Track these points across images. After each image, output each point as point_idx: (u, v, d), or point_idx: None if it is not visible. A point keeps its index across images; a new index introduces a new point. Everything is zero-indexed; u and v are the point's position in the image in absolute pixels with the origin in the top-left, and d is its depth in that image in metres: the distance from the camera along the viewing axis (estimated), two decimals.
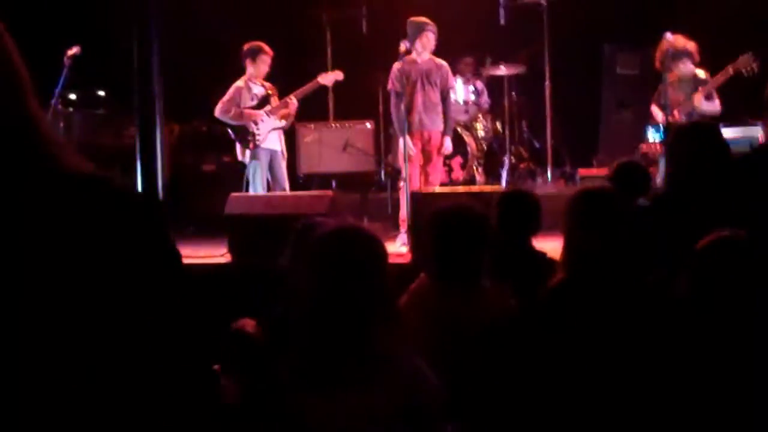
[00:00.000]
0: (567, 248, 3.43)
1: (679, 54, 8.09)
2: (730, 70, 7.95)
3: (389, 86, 8.44)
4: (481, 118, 10.80)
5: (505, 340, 3.36)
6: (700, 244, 2.98)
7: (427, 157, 8.38)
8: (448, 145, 8.46)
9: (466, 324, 3.41)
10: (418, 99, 8.29)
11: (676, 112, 8.15)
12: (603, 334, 3.14)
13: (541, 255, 4.53)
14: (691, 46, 8.14)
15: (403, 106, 8.16)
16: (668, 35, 8.17)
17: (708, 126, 4.38)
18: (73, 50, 8.28)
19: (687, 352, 2.90)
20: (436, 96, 8.39)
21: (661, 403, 2.90)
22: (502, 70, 10.92)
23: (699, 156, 3.99)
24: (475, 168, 10.25)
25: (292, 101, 8.64)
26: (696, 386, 2.86)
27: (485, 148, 10.71)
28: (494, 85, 11.18)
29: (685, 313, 2.96)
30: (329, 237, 2.75)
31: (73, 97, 9.98)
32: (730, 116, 8.70)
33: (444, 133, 8.42)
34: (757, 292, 2.89)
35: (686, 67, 8.18)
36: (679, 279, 3.01)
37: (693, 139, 4.08)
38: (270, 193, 8.35)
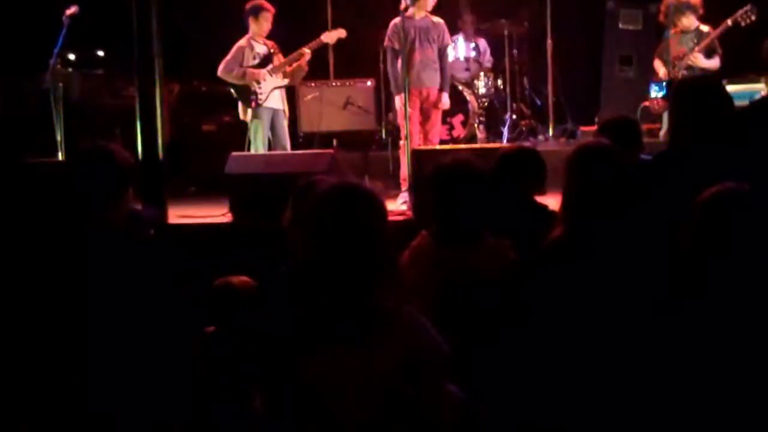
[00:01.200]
0: (565, 202, 3.43)
1: (682, 7, 8.04)
2: (729, 22, 7.93)
3: (386, 43, 8.42)
4: (483, 75, 10.74)
5: (506, 293, 3.36)
6: (702, 196, 2.95)
7: (425, 115, 8.36)
8: (445, 101, 8.44)
9: (467, 279, 3.42)
10: (416, 56, 8.26)
11: (677, 67, 8.11)
12: (602, 287, 3.14)
13: (543, 208, 4.53)
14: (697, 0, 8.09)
15: (400, 63, 8.12)
16: None
17: (710, 81, 4.34)
18: (72, 10, 8.23)
19: (688, 306, 2.90)
20: (433, 53, 8.36)
21: (660, 358, 2.90)
22: (504, 27, 10.85)
23: (702, 111, 3.95)
24: (476, 125, 10.20)
25: (307, 53, 8.58)
26: (698, 341, 2.86)
27: (487, 105, 10.67)
28: (496, 43, 11.11)
29: (687, 265, 2.95)
30: (328, 195, 2.74)
31: (72, 57, 9.94)
32: (734, 71, 8.67)
33: (441, 90, 8.38)
34: (761, 243, 2.87)
35: (689, 21, 8.14)
36: (681, 232, 2.99)
37: (696, 94, 4.05)
38: (270, 152, 8.33)
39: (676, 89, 4.24)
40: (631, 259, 3.18)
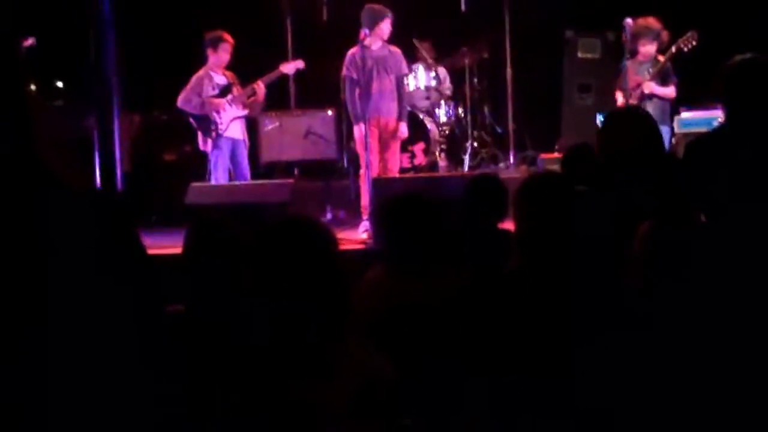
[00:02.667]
0: (518, 233, 3.46)
1: (645, 34, 8.14)
2: (673, 48, 8.08)
3: (343, 72, 8.43)
4: (443, 103, 10.80)
5: (463, 324, 3.37)
6: (638, 232, 2.97)
7: (384, 144, 8.39)
8: (403, 130, 8.48)
9: (423, 310, 3.42)
10: (374, 85, 8.28)
11: (633, 95, 8.20)
12: (555, 317, 3.15)
13: (507, 234, 4.56)
14: (658, 26, 8.19)
15: (357, 93, 8.15)
16: (628, 20, 8.22)
17: (633, 112, 4.39)
18: (29, 42, 8.20)
19: (640, 339, 2.91)
20: (390, 83, 8.40)
21: (614, 386, 2.91)
22: (465, 56, 10.94)
23: (627, 142, 4.02)
24: (437, 153, 10.25)
25: (260, 87, 8.62)
26: (648, 371, 2.87)
27: (448, 133, 10.72)
28: (457, 71, 11.18)
29: (635, 300, 2.97)
30: (275, 229, 2.74)
31: (30, 88, 9.87)
32: (691, 99, 8.78)
33: (399, 119, 8.42)
34: (697, 278, 2.89)
35: (647, 49, 8.23)
36: (623, 266, 3.01)
37: (618, 126, 4.12)
38: (231, 183, 8.32)
39: (604, 121, 4.32)
40: (586, 287, 3.19)
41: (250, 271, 2.77)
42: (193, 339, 3.23)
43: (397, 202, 3.67)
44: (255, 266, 2.73)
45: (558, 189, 3.46)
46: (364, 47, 8.25)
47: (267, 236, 2.73)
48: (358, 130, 8.13)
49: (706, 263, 2.94)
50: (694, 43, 7.96)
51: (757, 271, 3.04)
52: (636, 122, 4.19)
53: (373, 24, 8.24)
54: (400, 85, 8.53)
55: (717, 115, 8.46)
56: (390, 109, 8.38)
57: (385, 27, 8.29)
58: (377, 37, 8.33)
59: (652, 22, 8.18)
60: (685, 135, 8.53)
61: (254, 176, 8.91)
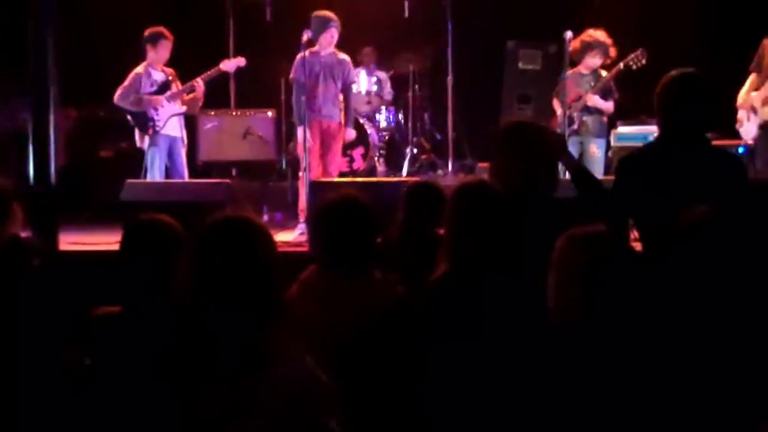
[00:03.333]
0: (446, 240, 3.48)
1: (595, 46, 8.20)
2: (621, 65, 8.13)
3: (291, 75, 8.40)
4: (384, 109, 10.81)
5: (392, 329, 3.37)
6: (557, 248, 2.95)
7: (325, 147, 8.37)
8: (350, 135, 8.49)
9: (353, 313, 3.41)
10: (320, 90, 8.29)
11: (573, 107, 8.27)
12: (485, 323, 3.16)
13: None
14: (609, 41, 8.25)
15: (303, 97, 8.13)
16: (569, 34, 8.28)
17: (524, 128, 4.41)
18: None
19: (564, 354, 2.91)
20: (336, 89, 8.41)
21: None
22: (408, 62, 10.97)
23: (519, 158, 4.07)
24: (376, 159, 10.27)
25: (199, 84, 8.55)
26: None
27: (387, 139, 10.74)
28: (398, 78, 11.20)
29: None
30: (215, 226, 2.71)
31: None
32: (627, 113, 8.88)
33: (345, 125, 8.45)
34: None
35: (593, 62, 8.29)
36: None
37: (507, 142, 4.17)
38: (167, 180, 8.24)
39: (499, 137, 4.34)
40: (514, 295, 3.21)
41: (186, 270, 2.75)
42: (129, 339, 3.19)
43: (333, 204, 3.66)
44: (192, 265, 2.70)
45: (488, 197, 3.49)
46: (313, 53, 8.26)
47: (205, 234, 2.71)
48: (301, 131, 8.10)
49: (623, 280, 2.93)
50: (643, 62, 8.01)
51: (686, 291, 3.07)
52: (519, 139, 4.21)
53: (321, 31, 8.24)
54: (347, 92, 8.54)
55: (653, 130, 8.57)
56: (332, 113, 8.38)
57: (332, 34, 8.30)
58: (326, 44, 8.32)
59: (602, 35, 8.24)
60: (621, 149, 8.63)
61: (192, 175, 8.85)
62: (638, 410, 2.74)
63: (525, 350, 2.96)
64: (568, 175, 4.57)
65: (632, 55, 8.08)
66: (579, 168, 4.53)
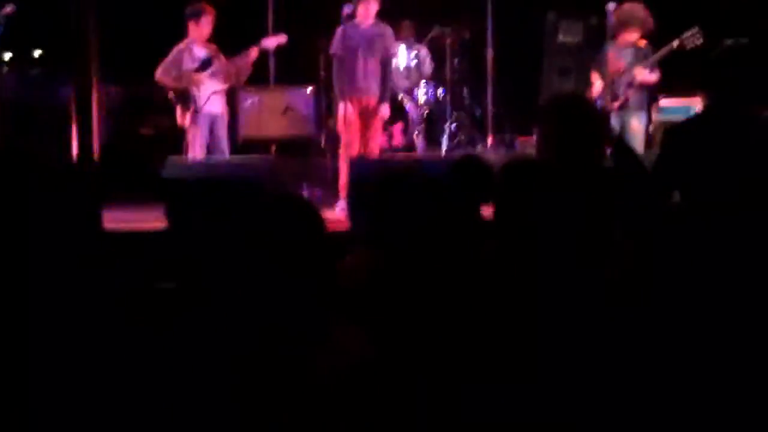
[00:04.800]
0: (497, 218, 3.45)
1: (630, 21, 8.10)
2: (675, 43, 7.97)
3: (332, 50, 8.35)
4: (423, 84, 10.77)
5: (442, 310, 3.36)
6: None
7: (366, 124, 8.32)
8: (385, 111, 8.39)
9: (405, 293, 3.41)
10: (359, 64, 8.21)
11: (615, 80, 8.19)
12: (532, 305, 3.14)
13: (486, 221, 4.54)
14: (644, 14, 8.13)
15: (344, 71, 8.09)
16: (611, 5, 8.19)
17: (576, 101, 4.35)
18: (8, 9, 8.10)
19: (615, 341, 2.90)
20: (376, 62, 8.29)
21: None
22: (446, 35, 10.91)
23: (565, 132, 4.00)
24: (415, 134, 10.23)
25: (253, 51, 8.47)
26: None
27: (427, 114, 10.70)
28: (437, 51, 11.15)
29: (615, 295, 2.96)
30: (267, 207, 2.71)
31: (7, 57, 9.79)
32: (670, 86, 8.79)
33: (382, 99, 8.34)
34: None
35: (631, 36, 8.19)
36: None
37: (558, 115, 4.09)
38: (208, 158, 8.26)
39: (541, 111, 4.27)
40: (570, 275, 3.19)
41: (239, 249, 2.74)
42: (187, 315, 3.19)
43: (378, 182, 3.64)
44: (246, 243, 2.70)
45: (537, 174, 3.45)
46: (353, 25, 8.18)
47: (257, 213, 2.70)
48: (342, 108, 8.07)
49: (685, 257, 2.94)
50: (699, 41, 7.82)
51: (733, 263, 3.05)
52: (572, 113, 4.15)
53: (358, 2, 8.15)
54: (386, 65, 8.40)
55: (696, 103, 8.48)
56: (373, 88, 8.29)
57: (374, 4, 8.20)
58: (366, 15, 8.21)
59: (637, 9, 8.13)
60: (663, 122, 8.55)
61: (232, 151, 8.86)
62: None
63: (579, 334, 2.94)
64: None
65: (688, 34, 7.89)
66: (619, 140, 4.50)
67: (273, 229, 2.65)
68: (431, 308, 3.31)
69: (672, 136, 4.41)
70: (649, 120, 8.71)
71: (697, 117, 4.57)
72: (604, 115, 4.34)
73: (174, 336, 2.98)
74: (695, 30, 7.87)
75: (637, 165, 4.34)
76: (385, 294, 3.41)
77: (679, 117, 7.76)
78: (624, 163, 4.32)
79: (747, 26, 7.91)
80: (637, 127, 8.19)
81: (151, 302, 3.29)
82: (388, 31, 8.43)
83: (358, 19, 8.20)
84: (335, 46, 8.26)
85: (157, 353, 3.08)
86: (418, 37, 11.10)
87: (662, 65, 8.20)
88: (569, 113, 4.04)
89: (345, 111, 7.92)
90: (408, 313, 3.33)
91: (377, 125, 8.40)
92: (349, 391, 2.60)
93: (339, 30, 8.21)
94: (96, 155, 6.81)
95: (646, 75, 8.13)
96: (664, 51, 8.05)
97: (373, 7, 8.21)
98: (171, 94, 8.55)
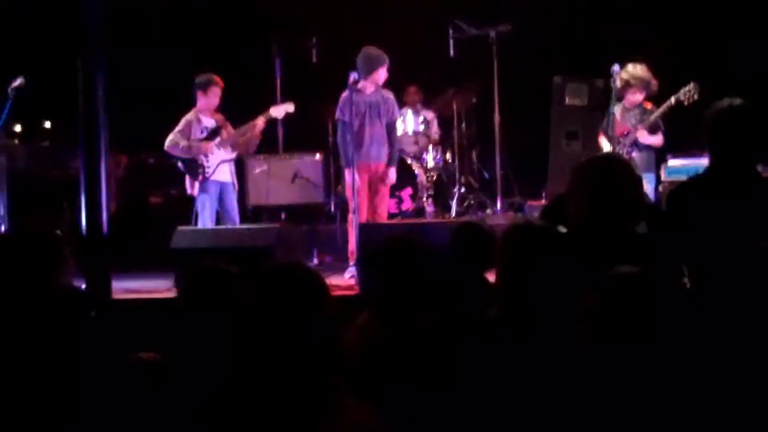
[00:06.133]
0: (500, 282, 3.43)
1: (634, 82, 8.13)
2: (673, 100, 8.01)
3: (337, 116, 8.37)
4: (431, 148, 10.80)
5: (443, 370, 3.34)
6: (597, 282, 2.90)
7: (374, 189, 8.32)
8: (392, 176, 8.39)
9: (407, 354, 3.41)
10: (366, 130, 8.24)
11: (620, 143, 8.19)
12: (534, 370, 3.11)
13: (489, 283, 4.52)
14: (648, 75, 8.16)
15: (349, 137, 8.11)
16: (616, 68, 8.22)
17: (611, 160, 4.34)
18: (18, 82, 8.20)
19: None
20: (382, 127, 8.33)
21: None
22: (453, 100, 10.97)
23: (600, 190, 3.95)
24: (425, 199, 10.24)
25: (260, 121, 8.54)
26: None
27: (435, 179, 10.72)
28: (444, 117, 11.20)
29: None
30: (270, 277, 2.70)
31: (17, 128, 9.87)
32: (678, 146, 8.78)
33: (389, 164, 8.36)
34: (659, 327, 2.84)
35: (634, 98, 8.22)
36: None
37: (594, 173, 4.04)
38: (216, 227, 8.27)
39: (575, 168, 4.22)
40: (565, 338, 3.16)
41: (243, 322, 2.73)
42: (172, 387, 3.17)
43: (385, 246, 3.65)
44: (248, 315, 2.69)
45: (539, 238, 3.43)
46: (357, 91, 8.21)
47: (260, 283, 2.70)
48: (349, 174, 8.08)
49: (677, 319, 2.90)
50: (696, 97, 7.85)
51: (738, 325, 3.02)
52: (618, 169, 4.12)
53: (371, 70, 8.17)
54: (391, 130, 8.43)
55: (704, 163, 8.44)
56: (380, 154, 8.31)
57: (382, 73, 8.23)
58: (372, 82, 8.28)
59: (641, 70, 8.16)
60: (672, 183, 8.53)
61: (242, 220, 8.88)
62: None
63: (571, 404, 2.90)
64: None
65: (684, 90, 7.93)
66: (653, 206, 4.50)
67: (276, 299, 2.64)
68: (429, 370, 3.30)
69: (676, 197, 4.42)
70: (659, 180, 8.70)
71: (700, 176, 4.53)
72: (639, 178, 4.27)
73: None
74: (691, 86, 7.90)
75: (671, 231, 4.31)
76: (383, 357, 3.40)
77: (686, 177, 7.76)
78: (657, 229, 4.28)
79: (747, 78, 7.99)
80: (645, 189, 8.16)
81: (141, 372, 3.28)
82: (391, 96, 8.47)
83: (362, 84, 8.23)
84: (340, 112, 8.29)
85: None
86: (425, 102, 11.16)
87: (667, 125, 8.21)
88: (605, 172, 4.00)
89: (352, 177, 7.92)
90: (405, 375, 3.32)
91: (385, 191, 8.40)
92: None
93: (343, 96, 8.25)
94: (105, 227, 6.79)
95: (647, 136, 8.14)
96: (662, 109, 8.08)
97: (381, 76, 8.26)
98: (179, 164, 8.59)
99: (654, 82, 8.15)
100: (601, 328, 2.78)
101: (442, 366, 3.34)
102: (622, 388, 2.76)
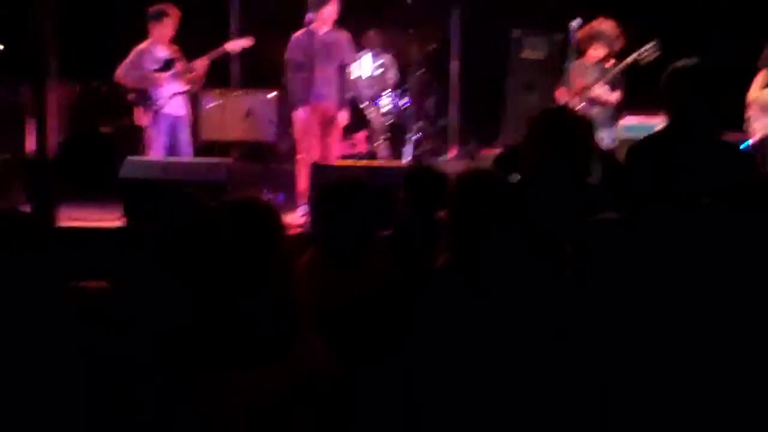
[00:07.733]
0: (451, 229, 3.43)
1: (599, 37, 8.07)
2: (633, 57, 7.96)
3: (287, 55, 8.27)
4: (388, 93, 10.74)
5: (388, 312, 3.34)
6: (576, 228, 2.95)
7: (325, 130, 8.25)
8: (342, 118, 8.34)
9: (349, 297, 3.41)
10: (317, 71, 8.14)
11: (578, 98, 8.17)
12: (487, 314, 3.12)
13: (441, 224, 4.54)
14: (615, 32, 8.10)
15: (300, 77, 8.02)
16: (575, 22, 8.18)
17: (565, 112, 4.39)
18: None
19: (573, 339, 2.89)
20: (333, 68, 8.25)
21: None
22: (412, 45, 10.91)
23: (554, 141, 4.00)
24: (378, 143, 10.20)
25: (200, 64, 8.43)
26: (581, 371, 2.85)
27: (390, 123, 10.66)
28: (402, 62, 11.13)
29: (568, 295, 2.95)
30: (224, 211, 2.68)
31: None
32: (633, 104, 8.79)
33: (339, 107, 8.29)
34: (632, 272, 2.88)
35: (596, 53, 8.17)
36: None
37: (548, 124, 4.10)
38: (166, 159, 8.17)
39: (534, 120, 4.26)
40: (519, 284, 3.17)
41: (196, 252, 2.71)
42: (122, 317, 3.13)
43: (336, 187, 3.65)
44: (204, 247, 2.67)
45: (490, 186, 3.43)
46: (310, 31, 8.12)
47: (216, 216, 2.68)
48: (298, 114, 8.01)
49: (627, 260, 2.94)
50: (656, 54, 7.82)
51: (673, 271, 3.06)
52: (572, 121, 4.17)
53: (319, 6, 8.09)
54: (343, 72, 8.35)
55: (659, 122, 8.46)
56: (332, 95, 8.23)
57: (331, 10, 8.12)
58: (323, 21, 8.16)
59: (608, 26, 8.09)
60: (627, 140, 8.54)
61: (195, 154, 8.77)
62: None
63: (521, 350, 2.92)
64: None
65: (644, 48, 7.91)
66: (609, 155, 4.55)
67: (235, 232, 2.62)
68: (375, 311, 3.31)
69: (634, 153, 4.43)
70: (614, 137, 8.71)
71: (658, 134, 4.56)
72: (591, 131, 4.31)
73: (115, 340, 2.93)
74: (653, 44, 7.87)
75: (624, 179, 4.35)
76: (329, 294, 3.40)
77: (643, 135, 7.77)
78: (612, 177, 4.33)
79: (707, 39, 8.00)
80: (609, 144, 8.13)
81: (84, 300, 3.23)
82: (346, 37, 8.37)
83: (316, 24, 8.13)
84: (290, 52, 8.19)
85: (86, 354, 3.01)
86: (384, 46, 11.07)
87: (626, 83, 8.20)
88: (560, 125, 4.05)
89: (301, 117, 7.86)
90: (348, 314, 3.33)
91: (336, 132, 8.34)
92: (308, 405, 2.56)
93: (294, 36, 8.16)
94: (52, 153, 6.69)
95: (606, 93, 8.11)
96: (621, 66, 8.03)
97: (330, 13, 8.14)
98: (131, 95, 8.45)
99: (619, 41, 8.09)
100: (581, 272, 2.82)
101: (389, 308, 3.34)
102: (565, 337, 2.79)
